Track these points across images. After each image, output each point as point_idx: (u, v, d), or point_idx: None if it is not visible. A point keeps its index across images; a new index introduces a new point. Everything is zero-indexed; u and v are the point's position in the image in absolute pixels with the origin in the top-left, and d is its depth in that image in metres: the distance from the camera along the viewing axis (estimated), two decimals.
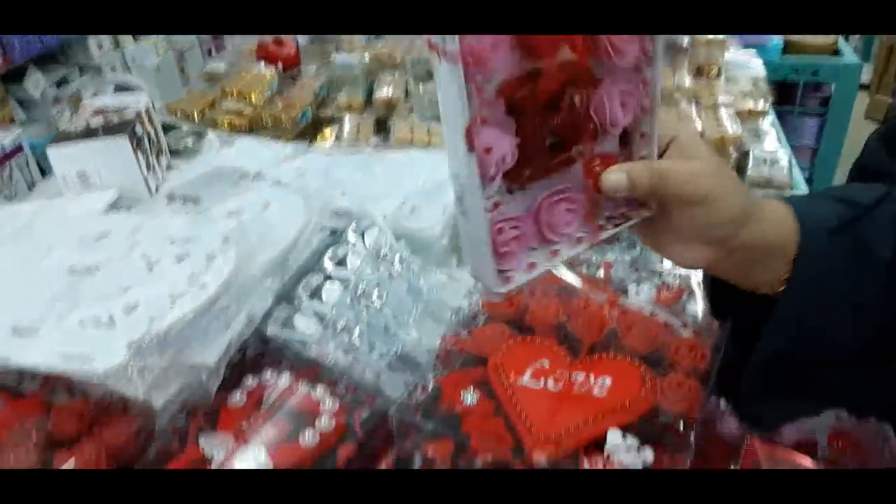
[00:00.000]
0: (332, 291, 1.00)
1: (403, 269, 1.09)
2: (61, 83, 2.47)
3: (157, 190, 1.25)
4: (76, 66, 2.56)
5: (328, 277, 1.03)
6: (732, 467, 0.71)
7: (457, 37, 0.53)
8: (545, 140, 0.62)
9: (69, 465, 0.77)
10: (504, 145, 0.58)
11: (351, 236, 1.12)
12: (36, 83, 2.32)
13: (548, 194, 0.64)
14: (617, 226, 0.67)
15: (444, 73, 0.55)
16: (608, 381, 0.78)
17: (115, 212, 1.10)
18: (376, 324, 0.95)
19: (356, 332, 0.92)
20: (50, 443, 0.81)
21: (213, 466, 0.79)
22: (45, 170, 1.40)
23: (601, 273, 1.06)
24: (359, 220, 1.15)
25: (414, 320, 0.98)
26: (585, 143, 0.64)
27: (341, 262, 1.08)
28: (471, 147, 0.57)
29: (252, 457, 0.80)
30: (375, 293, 1.00)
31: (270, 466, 0.79)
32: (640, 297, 0.95)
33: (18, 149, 1.41)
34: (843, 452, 0.81)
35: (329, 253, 1.09)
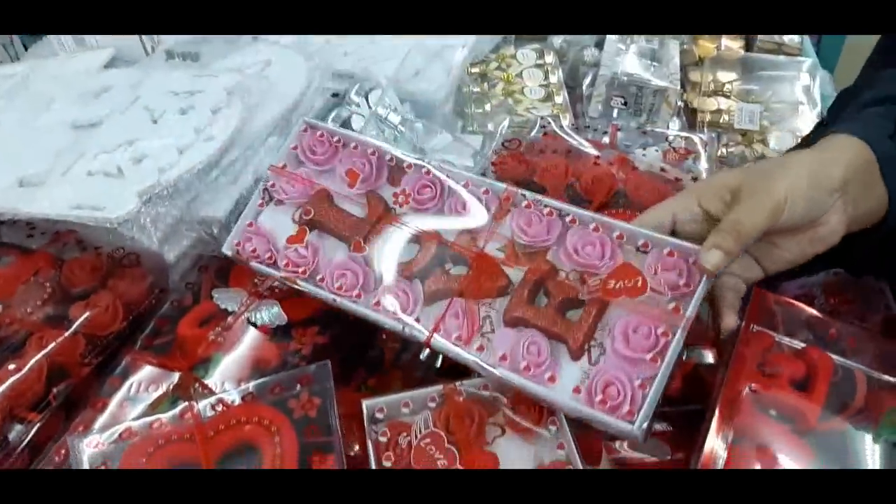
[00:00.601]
0: None
1: (407, 131, 1.07)
2: None
3: (153, 50, 1.21)
4: None
5: None
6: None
7: None
8: None
9: (85, 316, 0.78)
10: None
11: (354, 98, 1.10)
12: None
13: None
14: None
15: None
16: None
17: (113, 68, 1.06)
18: None
19: None
20: (64, 296, 0.81)
21: (228, 320, 0.81)
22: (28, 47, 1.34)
23: (607, 139, 1.05)
24: (361, 81, 1.12)
25: None
26: None
27: (345, 125, 1.06)
28: None
29: (266, 309, 0.81)
30: None
31: (285, 320, 0.80)
32: (647, 158, 0.94)
33: None
34: (838, 305, 0.84)
35: (332, 115, 1.07)
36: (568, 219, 0.73)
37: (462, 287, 0.71)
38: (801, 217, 0.63)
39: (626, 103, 1.20)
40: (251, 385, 0.72)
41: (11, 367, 0.71)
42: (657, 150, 1.00)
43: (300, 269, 0.76)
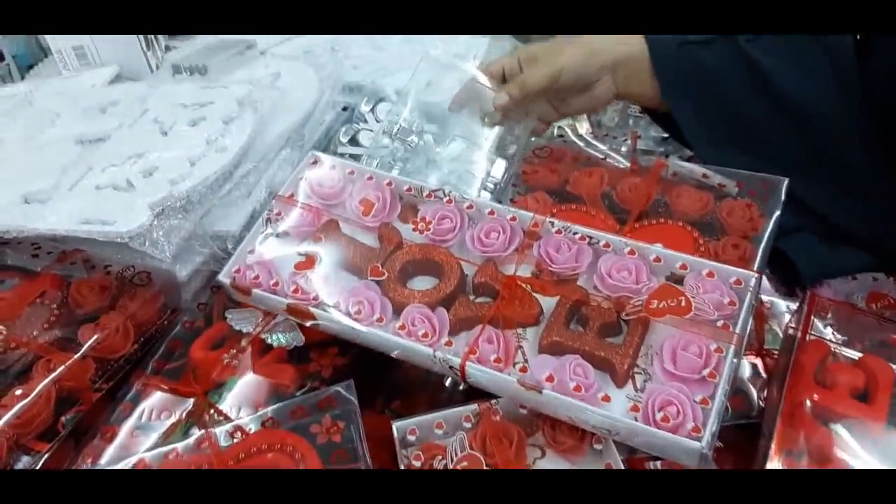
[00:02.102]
0: None
1: (420, 142, 1.03)
2: None
3: (157, 68, 1.18)
4: None
5: (342, 156, 0.98)
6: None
7: None
8: None
9: (94, 339, 0.74)
10: None
11: (364, 109, 1.07)
12: None
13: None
14: None
15: None
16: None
17: (119, 83, 1.03)
18: None
19: None
20: (72, 318, 0.77)
21: (242, 343, 0.76)
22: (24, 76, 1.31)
23: (625, 148, 1.02)
24: (371, 94, 1.09)
25: None
26: None
27: (353, 141, 1.02)
28: None
29: (282, 330, 0.77)
30: (397, 171, 0.95)
31: (302, 341, 0.76)
32: (687, 164, 0.89)
33: None
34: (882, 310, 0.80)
35: (343, 129, 1.04)
36: (601, 244, 0.71)
37: (492, 314, 0.66)
38: (574, 82, 0.86)
39: (643, 111, 1.17)
40: (270, 410, 0.68)
41: (18, 392, 0.67)
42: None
43: (311, 296, 0.71)
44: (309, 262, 0.74)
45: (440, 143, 1.04)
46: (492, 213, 0.75)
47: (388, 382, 0.77)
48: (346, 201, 0.79)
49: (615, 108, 1.19)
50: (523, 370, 0.62)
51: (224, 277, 0.74)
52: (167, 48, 1.27)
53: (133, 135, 0.84)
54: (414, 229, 0.75)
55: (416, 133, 1.03)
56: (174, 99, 0.89)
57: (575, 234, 0.72)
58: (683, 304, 0.64)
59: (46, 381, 0.68)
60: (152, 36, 1.20)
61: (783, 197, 0.76)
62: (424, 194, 0.77)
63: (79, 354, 0.71)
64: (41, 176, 0.82)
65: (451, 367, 0.64)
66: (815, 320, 0.65)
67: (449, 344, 0.66)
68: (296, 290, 0.71)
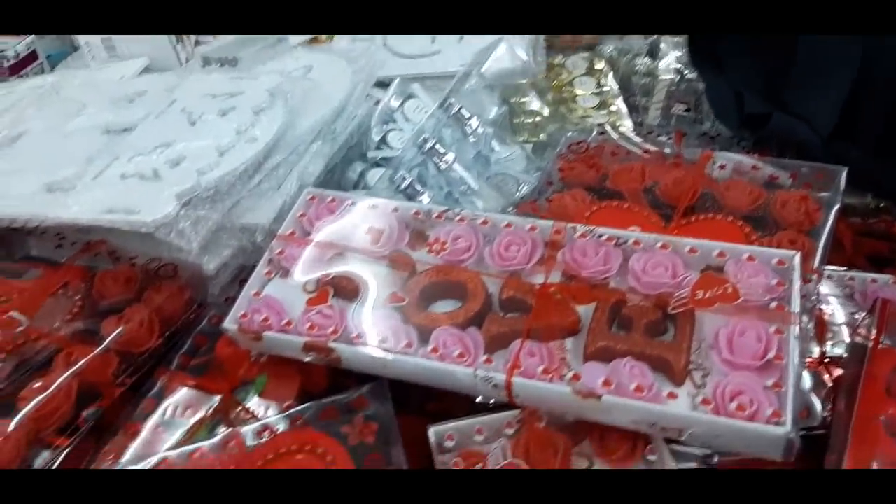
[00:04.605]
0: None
1: (476, 134, 0.99)
2: None
3: (187, 61, 1.16)
4: None
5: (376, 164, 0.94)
6: None
7: None
8: None
9: (118, 332, 0.71)
10: None
11: (393, 104, 1.03)
12: None
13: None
14: None
15: None
16: None
17: (147, 74, 1.01)
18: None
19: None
20: (95, 310, 0.75)
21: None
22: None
23: (668, 150, 0.98)
24: (399, 91, 1.05)
25: (478, 189, 0.90)
26: None
27: (384, 141, 0.99)
28: None
29: None
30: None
31: None
32: (736, 156, 0.84)
33: (32, 56, 1.30)
34: None
35: (375, 129, 1.00)
36: (630, 243, 0.67)
37: (528, 326, 0.62)
38: None
39: (688, 109, 1.13)
40: (299, 409, 0.65)
41: (37, 385, 0.65)
42: None
43: (329, 330, 0.65)
44: (321, 296, 0.69)
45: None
46: (509, 225, 0.70)
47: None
48: (350, 233, 0.74)
49: (657, 105, 1.15)
50: (576, 378, 0.58)
51: (230, 324, 0.68)
52: (197, 42, 1.25)
53: (160, 124, 0.82)
54: (429, 251, 0.70)
55: (474, 133, 0.98)
56: (203, 89, 0.86)
57: (601, 236, 0.68)
58: (730, 290, 0.60)
59: (67, 374, 0.66)
60: None
61: (842, 188, 0.72)
62: (434, 216, 0.73)
63: (101, 348, 0.68)
64: (65, 165, 0.80)
65: (494, 386, 0.59)
66: (888, 325, 0.60)
67: (489, 361, 0.61)
68: (311, 328, 0.66)
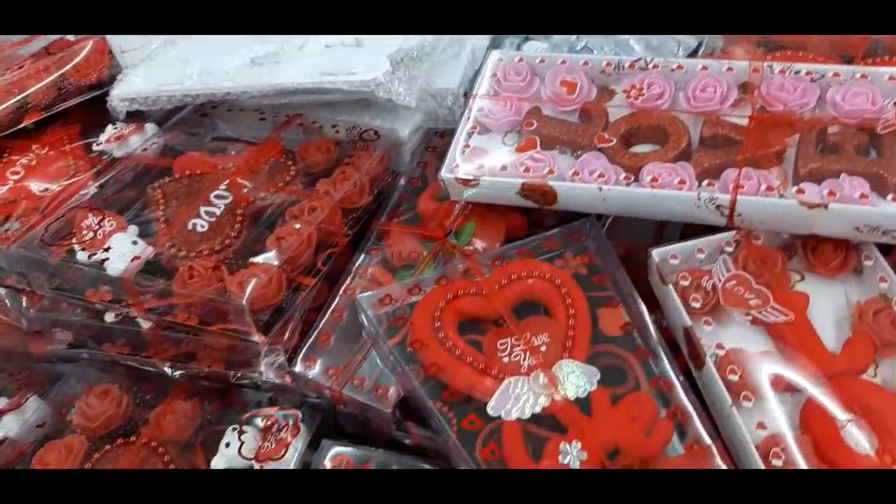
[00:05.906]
0: None
1: None
2: None
3: None
4: None
5: None
6: None
7: None
8: None
9: (337, 192, 0.77)
10: None
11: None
12: None
13: None
14: None
15: None
16: None
17: None
18: None
19: None
20: (304, 175, 0.81)
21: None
22: None
23: None
24: None
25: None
26: None
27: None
28: None
29: None
30: None
31: None
32: None
33: None
34: None
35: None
36: (829, 75, 0.70)
37: (742, 156, 0.66)
38: None
39: None
40: (523, 242, 0.72)
41: (282, 235, 0.71)
42: None
43: (545, 170, 0.70)
44: (529, 143, 0.74)
45: None
46: (705, 68, 0.74)
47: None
48: (539, 89, 0.79)
49: None
50: (800, 192, 0.63)
51: (447, 173, 0.73)
52: None
53: (316, 42, 0.84)
54: (626, 98, 0.75)
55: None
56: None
57: (797, 72, 0.71)
58: None
59: (310, 222, 0.72)
60: None
61: None
62: (626, 65, 0.77)
63: (333, 200, 0.75)
64: (261, 44, 0.84)
65: (717, 207, 0.64)
66: None
67: (711, 185, 0.66)
68: (527, 170, 0.71)
